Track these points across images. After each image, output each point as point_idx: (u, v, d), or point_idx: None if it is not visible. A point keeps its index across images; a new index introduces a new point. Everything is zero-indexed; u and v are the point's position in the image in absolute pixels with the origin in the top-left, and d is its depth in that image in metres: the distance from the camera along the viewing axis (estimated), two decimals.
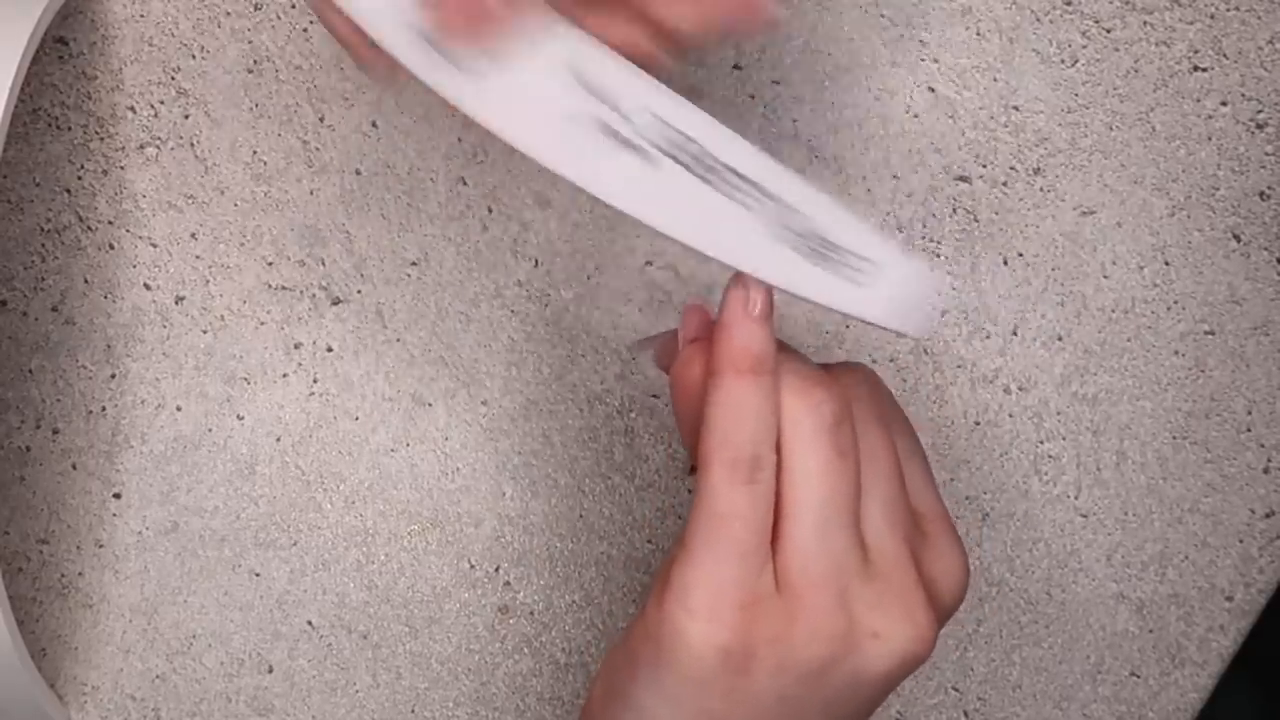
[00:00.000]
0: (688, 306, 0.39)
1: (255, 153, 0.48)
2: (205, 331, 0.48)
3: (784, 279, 0.35)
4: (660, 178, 0.35)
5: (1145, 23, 0.48)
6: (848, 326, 0.49)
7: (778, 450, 0.36)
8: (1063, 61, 0.48)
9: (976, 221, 0.48)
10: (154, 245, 0.48)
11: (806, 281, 0.35)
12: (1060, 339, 0.49)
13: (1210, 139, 0.48)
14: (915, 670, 0.37)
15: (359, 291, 0.48)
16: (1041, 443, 0.49)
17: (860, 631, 0.36)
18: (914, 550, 0.37)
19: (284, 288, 0.48)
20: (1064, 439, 0.49)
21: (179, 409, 0.49)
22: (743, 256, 0.35)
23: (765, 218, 0.35)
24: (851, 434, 0.36)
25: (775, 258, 0.35)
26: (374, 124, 0.48)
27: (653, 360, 0.41)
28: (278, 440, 0.49)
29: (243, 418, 0.49)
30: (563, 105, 0.34)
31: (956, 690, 0.50)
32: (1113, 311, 0.49)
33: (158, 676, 0.49)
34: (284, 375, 0.49)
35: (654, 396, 0.49)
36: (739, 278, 0.36)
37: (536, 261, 0.49)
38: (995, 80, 0.48)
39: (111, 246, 0.48)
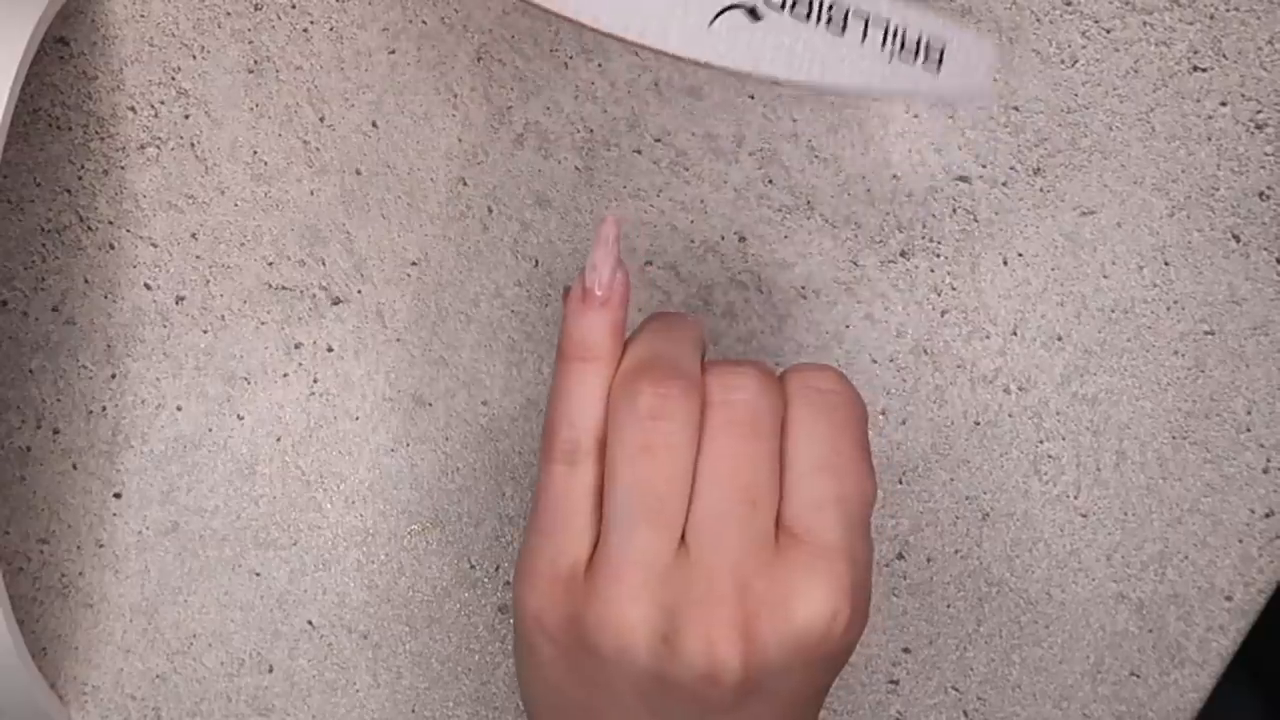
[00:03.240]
0: (565, 291, 0.40)
1: (255, 153, 0.48)
2: (205, 331, 0.48)
3: (880, 84, 0.36)
4: (764, 26, 0.36)
5: (1145, 23, 0.48)
6: (847, 327, 0.49)
7: None
8: (1063, 61, 0.48)
9: (976, 221, 0.48)
10: (154, 245, 0.48)
11: (898, 80, 0.36)
12: (1060, 339, 0.49)
13: (1210, 139, 0.48)
14: (730, 691, 0.35)
15: (359, 291, 0.48)
16: (1041, 443, 0.49)
17: (647, 630, 0.35)
18: (748, 566, 0.35)
19: (284, 288, 0.48)
20: (1064, 439, 0.49)
21: (179, 409, 0.49)
22: (839, 78, 0.36)
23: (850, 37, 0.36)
24: (671, 431, 0.36)
25: (866, 69, 0.36)
26: (374, 124, 0.48)
27: None
28: (278, 440, 0.49)
29: (243, 418, 0.49)
30: None
31: (956, 690, 0.50)
32: (1113, 311, 0.49)
33: (158, 676, 0.49)
34: (284, 375, 0.49)
35: None
36: (581, 272, 0.37)
37: (536, 261, 0.49)
38: (995, 80, 0.48)
39: (111, 246, 0.48)
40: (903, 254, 0.49)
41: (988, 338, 0.49)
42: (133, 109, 0.48)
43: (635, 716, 0.37)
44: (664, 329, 0.38)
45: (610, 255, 0.37)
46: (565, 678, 0.37)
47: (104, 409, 0.49)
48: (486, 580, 0.49)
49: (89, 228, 0.48)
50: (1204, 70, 0.48)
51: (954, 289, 0.49)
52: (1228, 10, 0.48)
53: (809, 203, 0.48)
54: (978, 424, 0.49)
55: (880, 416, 0.49)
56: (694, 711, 0.36)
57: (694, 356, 0.38)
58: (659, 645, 0.35)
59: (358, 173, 0.48)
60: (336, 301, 0.49)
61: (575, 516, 0.37)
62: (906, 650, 0.50)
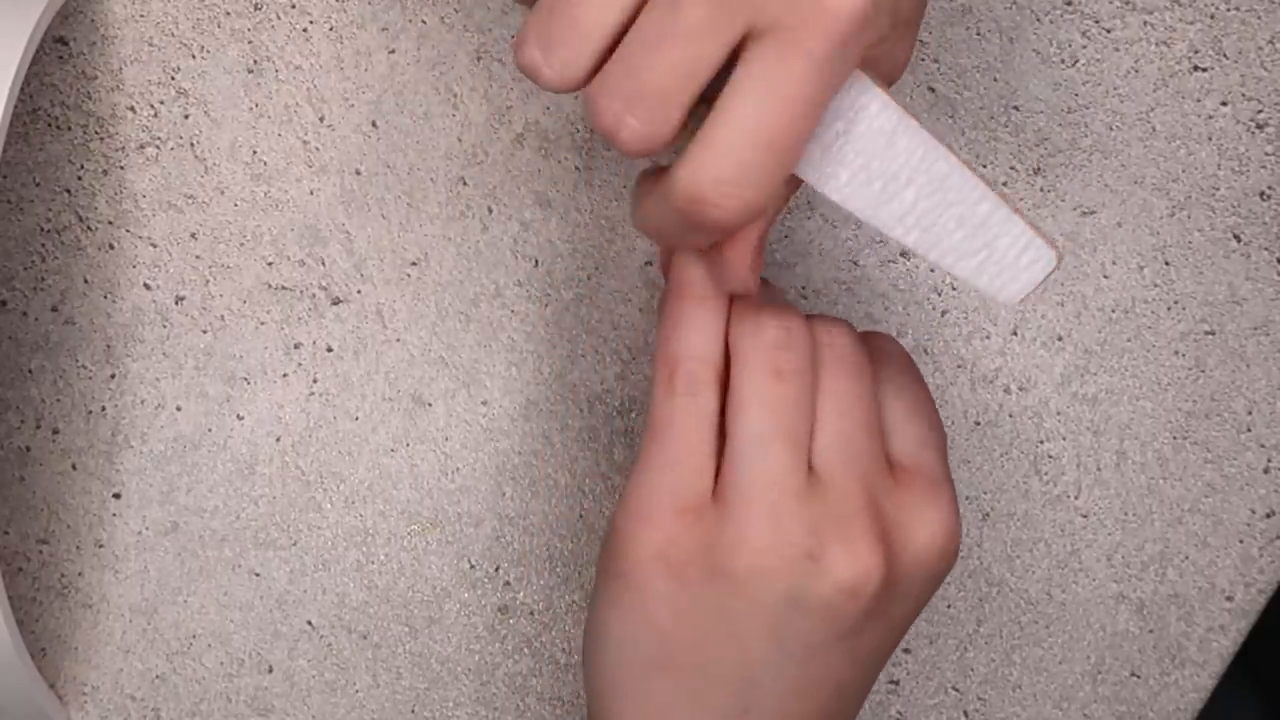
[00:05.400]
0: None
1: (255, 153, 0.48)
2: (205, 331, 0.48)
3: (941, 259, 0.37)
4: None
5: (1145, 23, 0.48)
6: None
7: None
8: (1063, 61, 0.48)
9: None
10: (154, 245, 0.48)
11: (954, 259, 0.37)
12: (1060, 339, 0.49)
13: (1210, 139, 0.48)
14: (864, 606, 0.36)
15: (359, 291, 0.48)
16: (1041, 443, 0.49)
17: (790, 549, 0.36)
18: (875, 488, 0.37)
19: (284, 288, 0.48)
20: (1064, 439, 0.49)
21: (179, 409, 0.49)
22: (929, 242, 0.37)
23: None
24: (796, 360, 0.37)
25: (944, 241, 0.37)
26: (374, 124, 0.48)
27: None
28: (278, 440, 0.49)
29: (243, 418, 0.49)
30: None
31: (956, 690, 0.50)
32: (1113, 311, 0.49)
33: (158, 676, 0.49)
34: (284, 375, 0.49)
35: None
36: None
37: (536, 261, 0.49)
38: (995, 80, 0.48)
39: (111, 246, 0.48)
40: (902, 254, 0.49)
41: (988, 338, 0.49)
42: (132, 109, 0.48)
43: (753, 647, 0.37)
44: (763, 282, 0.40)
45: None
46: (678, 616, 0.37)
47: (103, 409, 0.49)
48: (486, 580, 0.49)
49: (88, 228, 0.48)
50: (1204, 70, 0.48)
51: (954, 289, 0.49)
52: (1228, 10, 0.48)
53: (809, 203, 0.48)
54: (978, 424, 0.49)
55: None
56: (819, 634, 0.37)
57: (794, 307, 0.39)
58: (802, 561, 0.36)
59: (358, 173, 0.48)
60: (336, 301, 0.49)
61: (701, 445, 0.37)
62: (907, 650, 0.50)
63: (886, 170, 0.36)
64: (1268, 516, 0.49)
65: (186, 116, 0.48)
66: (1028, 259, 0.37)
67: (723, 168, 0.32)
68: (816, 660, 0.37)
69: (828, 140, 0.35)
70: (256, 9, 0.48)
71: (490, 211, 0.48)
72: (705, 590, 0.37)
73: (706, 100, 0.33)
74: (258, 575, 0.49)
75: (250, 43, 0.48)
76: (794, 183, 0.37)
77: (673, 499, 0.37)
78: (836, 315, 0.49)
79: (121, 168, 0.48)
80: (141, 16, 0.47)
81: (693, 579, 0.37)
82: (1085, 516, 0.49)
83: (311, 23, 0.48)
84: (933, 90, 0.48)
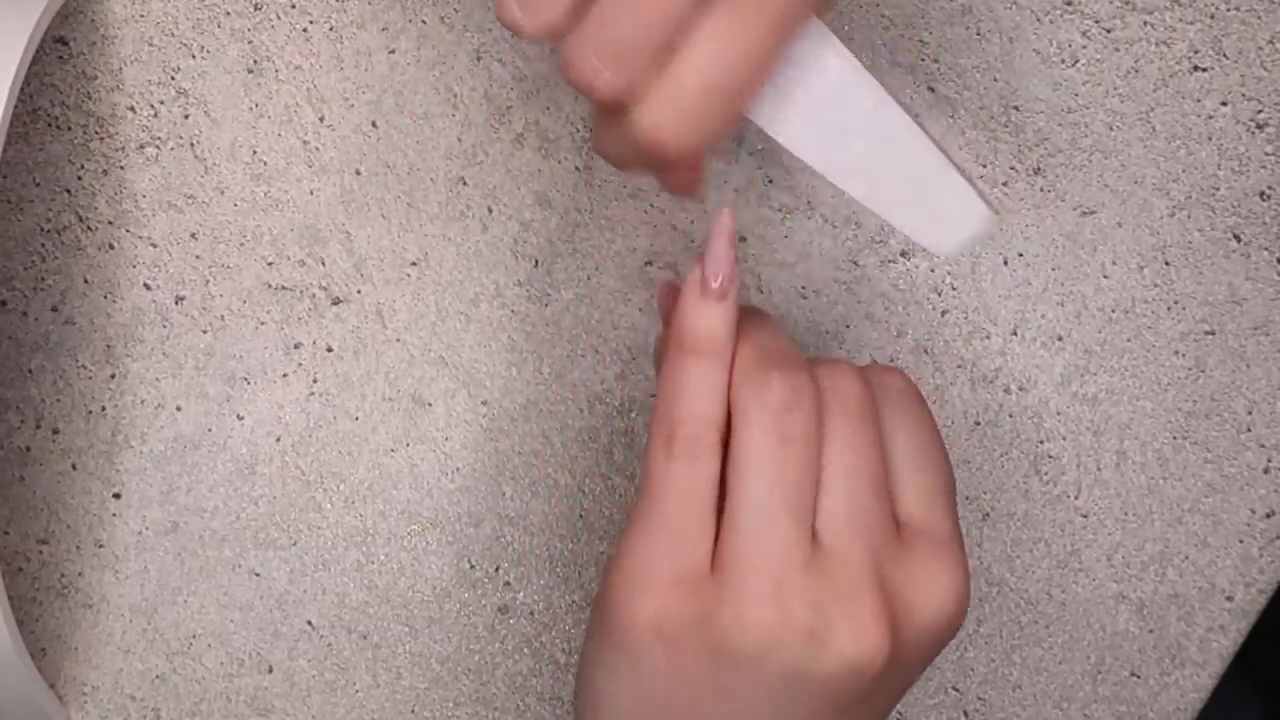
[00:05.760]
0: (661, 286, 0.40)
1: (255, 153, 0.48)
2: (205, 331, 0.48)
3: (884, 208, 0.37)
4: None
5: (1145, 23, 0.48)
6: (847, 326, 0.49)
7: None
8: (1063, 61, 0.48)
9: None
10: (154, 245, 0.48)
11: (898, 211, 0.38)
12: (1060, 339, 0.49)
13: (1210, 139, 0.48)
14: (868, 682, 0.35)
15: (359, 291, 0.48)
16: (1041, 443, 0.49)
17: (793, 627, 0.35)
18: (881, 557, 0.36)
19: (284, 288, 0.48)
20: (1064, 439, 0.49)
21: (179, 409, 0.49)
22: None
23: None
24: (804, 422, 0.36)
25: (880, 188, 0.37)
26: (374, 124, 0.48)
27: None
28: (278, 440, 0.49)
29: (243, 418, 0.49)
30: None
31: (956, 690, 0.50)
32: (1113, 311, 0.49)
33: (158, 676, 0.49)
34: (284, 375, 0.49)
35: (654, 396, 0.49)
36: (700, 259, 0.37)
37: (536, 261, 0.49)
38: (995, 80, 0.48)
39: (111, 246, 0.48)
40: (903, 254, 0.49)
41: (988, 338, 0.49)
42: (132, 109, 0.48)
43: None
44: (764, 322, 0.39)
45: (731, 247, 0.37)
46: (676, 687, 0.36)
47: (103, 409, 0.49)
48: (486, 580, 0.49)
49: (88, 228, 0.48)
50: (1204, 70, 0.48)
51: (954, 289, 0.49)
52: (1228, 10, 0.48)
53: (809, 203, 0.48)
54: (978, 424, 0.49)
55: None
56: (823, 708, 0.36)
57: (797, 350, 0.38)
58: (805, 640, 0.35)
59: (358, 173, 0.48)
60: (336, 301, 0.49)
61: (700, 511, 0.36)
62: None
63: (837, 121, 0.36)
64: (1268, 516, 0.49)
65: (186, 116, 0.48)
66: (966, 215, 0.37)
67: (679, 111, 0.33)
68: None
69: (782, 87, 0.36)
70: (256, 9, 0.48)
71: (490, 211, 0.48)
72: (702, 664, 0.35)
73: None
74: (258, 575, 0.49)
75: (250, 43, 0.48)
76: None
77: (670, 568, 0.36)
78: (836, 316, 0.49)
79: (121, 168, 0.48)
80: (141, 16, 0.47)
81: (688, 652, 0.35)
82: (1085, 516, 0.49)
83: (311, 23, 0.48)
84: (933, 90, 0.48)
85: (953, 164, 0.37)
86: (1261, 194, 0.48)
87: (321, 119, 0.48)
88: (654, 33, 0.33)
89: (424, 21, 0.48)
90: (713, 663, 0.35)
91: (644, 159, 0.35)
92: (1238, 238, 0.49)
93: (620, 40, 0.33)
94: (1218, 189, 0.48)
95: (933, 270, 0.49)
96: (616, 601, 0.36)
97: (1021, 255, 0.49)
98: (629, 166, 0.37)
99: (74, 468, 0.49)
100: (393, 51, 0.48)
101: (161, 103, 0.48)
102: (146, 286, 0.48)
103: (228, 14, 0.48)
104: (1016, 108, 0.48)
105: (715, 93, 0.33)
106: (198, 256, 0.48)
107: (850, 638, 0.35)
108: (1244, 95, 0.48)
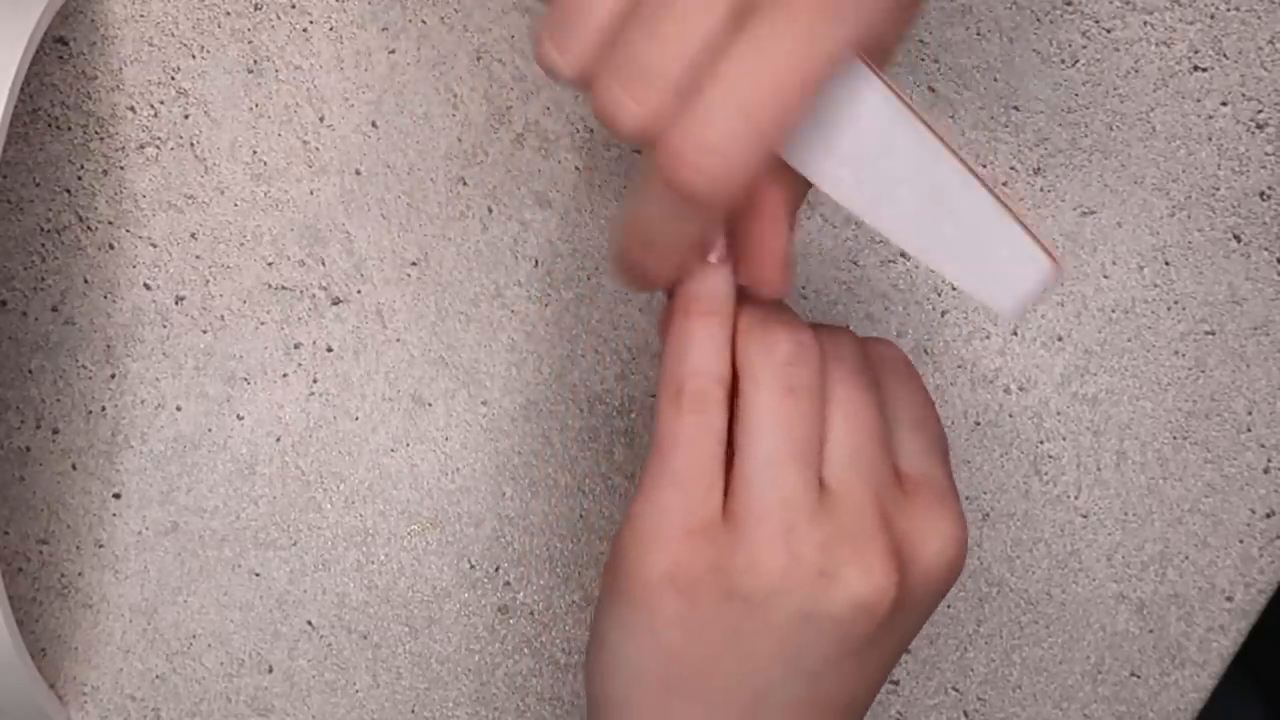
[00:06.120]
0: None
1: (255, 153, 0.48)
2: (205, 331, 0.48)
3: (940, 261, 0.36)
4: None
5: (1145, 23, 0.48)
6: (847, 326, 0.49)
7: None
8: (1063, 61, 0.48)
9: None
10: (154, 245, 0.48)
11: (953, 263, 0.36)
12: (1060, 339, 0.49)
13: (1210, 139, 0.48)
14: (878, 622, 0.36)
15: (359, 291, 0.48)
16: (1041, 443, 0.49)
17: (804, 568, 0.36)
18: (886, 504, 0.37)
19: (284, 288, 0.48)
20: (1064, 439, 0.49)
21: (179, 409, 0.49)
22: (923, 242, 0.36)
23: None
24: (809, 376, 0.37)
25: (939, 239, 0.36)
26: (374, 124, 0.48)
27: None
28: (278, 440, 0.49)
29: (243, 418, 0.49)
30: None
31: (956, 690, 0.50)
32: (1113, 311, 0.49)
33: (158, 676, 0.49)
34: (284, 375, 0.49)
35: (654, 396, 0.49)
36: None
37: (536, 261, 0.49)
38: (995, 80, 0.48)
39: (111, 246, 0.48)
40: (903, 254, 0.49)
41: (988, 338, 0.49)
42: (132, 109, 0.48)
43: (765, 665, 0.37)
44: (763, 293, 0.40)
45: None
46: (689, 638, 0.37)
47: (103, 409, 0.49)
48: (486, 580, 0.49)
49: (88, 228, 0.48)
50: (1204, 70, 0.48)
51: (954, 289, 0.49)
52: (1228, 10, 0.48)
53: (809, 202, 0.48)
54: (978, 424, 0.49)
55: None
56: (832, 651, 0.37)
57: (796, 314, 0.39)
58: (816, 580, 0.36)
59: (358, 173, 0.48)
60: (336, 301, 0.49)
61: (710, 464, 0.37)
62: (907, 650, 0.50)
63: (882, 169, 0.34)
64: (1268, 516, 0.49)
65: (186, 116, 0.48)
66: (1026, 268, 0.35)
67: (705, 132, 0.32)
68: (828, 676, 0.37)
69: (823, 130, 0.34)
70: (256, 9, 0.48)
71: (490, 211, 0.48)
72: (716, 611, 0.36)
73: None
74: (258, 575, 0.49)
75: (250, 43, 0.48)
76: (804, 182, 0.37)
77: (682, 520, 0.37)
78: (836, 316, 0.49)
79: (121, 168, 0.48)
80: (141, 16, 0.47)
81: (703, 600, 0.36)
82: (1085, 516, 0.49)
83: (311, 23, 0.48)
84: (933, 90, 0.48)
85: (1009, 212, 0.34)
86: (1261, 194, 0.48)
87: (321, 119, 0.48)
88: (677, 58, 0.32)
89: (424, 21, 0.48)
90: (727, 609, 0.36)
91: (672, 204, 0.34)
92: (1238, 238, 0.49)
93: (643, 68, 0.32)
94: (1218, 189, 0.48)
95: (933, 270, 0.49)
96: (629, 558, 0.37)
97: None
98: (660, 227, 0.35)
99: (74, 468, 0.49)
100: (393, 51, 0.48)
101: (161, 103, 0.48)
102: (146, 286, 0.48)
103: (228, 14, 0.48)
104: (1016, 108, 0.48)
105: (740, 122, 0.32)
106: (198, 256, 0.48)
107: (860, 577, 0.36)
108: (1244, 95, 0.48)
